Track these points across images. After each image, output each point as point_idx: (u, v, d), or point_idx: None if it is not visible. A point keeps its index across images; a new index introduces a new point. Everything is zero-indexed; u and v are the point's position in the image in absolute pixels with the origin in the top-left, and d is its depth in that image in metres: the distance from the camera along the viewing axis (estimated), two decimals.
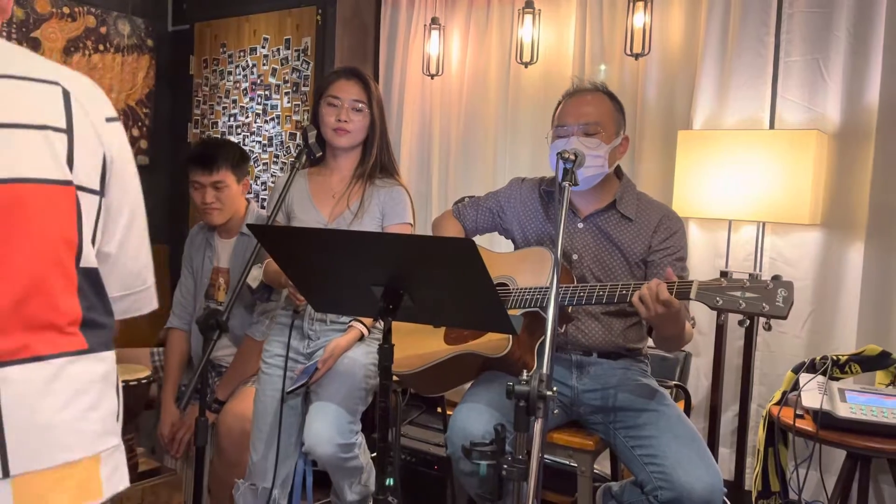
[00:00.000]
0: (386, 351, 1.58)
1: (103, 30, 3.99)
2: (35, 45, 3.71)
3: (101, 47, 3.98)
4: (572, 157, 1.69)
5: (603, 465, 2.51)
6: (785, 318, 1.54)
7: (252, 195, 3.91)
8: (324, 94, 2.15)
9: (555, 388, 1.33)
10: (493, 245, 2.60)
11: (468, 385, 2.03)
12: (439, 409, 3.03)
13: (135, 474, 2.18)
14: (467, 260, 1.41)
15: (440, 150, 3.63)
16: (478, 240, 2.05)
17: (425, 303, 1.57)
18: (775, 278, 1.55)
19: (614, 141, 1.94)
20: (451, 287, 1.55)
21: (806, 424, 2.19)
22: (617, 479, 2.21)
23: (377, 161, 2.18)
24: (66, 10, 3.82)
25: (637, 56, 2.99)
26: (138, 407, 2.24)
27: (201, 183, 2.52)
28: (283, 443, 2.13)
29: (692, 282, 1.61)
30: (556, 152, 1.72)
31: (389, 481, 2.39)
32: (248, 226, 1.60)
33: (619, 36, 3.08)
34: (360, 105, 2.13)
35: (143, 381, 2.22)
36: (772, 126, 2.77)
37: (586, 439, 1.96)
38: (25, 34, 3.68)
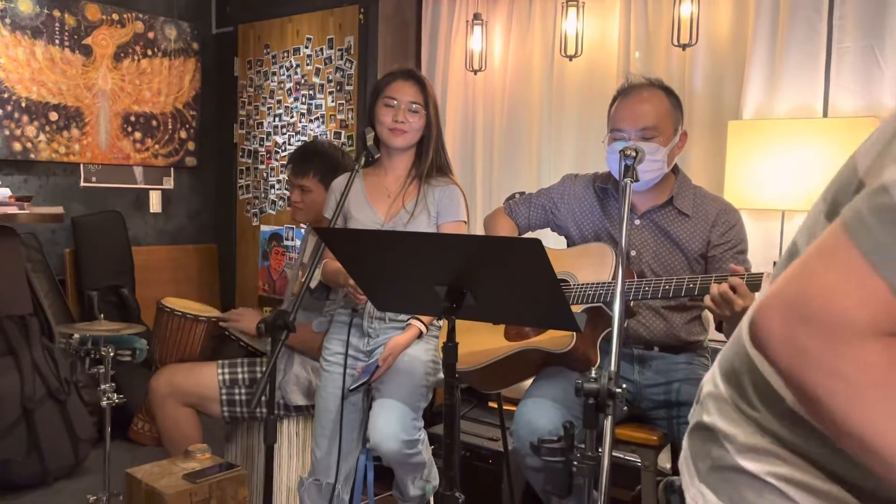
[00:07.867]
0: (450, 349, 1.61)
1: (151, 35, 4.07)
2: (87, 52, 3.81)
3: (149, 52, 4.06)
4: (633, 154, 1.69)
5: (661, 460, 2.50)
6: None
7: None
8: (380, 95, 2.17)
9: (624, 385, 1.33)
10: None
11: (526, 382, 2.05)
12: (491, 404, 3.05)
13: (200, 471, 2.24)
14: (535, 260, 1.43)
15: (484, 146, 3.64)
16: None
17: (488, 301, 1.59)
18: None
19: (672, 140, 1.93)
20: (516, 286, 1.56)
21: None
22: (678, 473, 2.20)
23: (433, 162, 2.20)
24: (115, 16, 3.91)
25: (684, 46, 2.96)
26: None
27: (292, 182, 2.63)
28: (345, 439, 2.17)
29: (761, 274, 1.60)
30: (616, 150, 1.73)
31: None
32: (315, 229, 1.63)
33: (666, 26, 3.05)
34: (417, 106, 2.15)
35: None
36: (825, 114, 2.72)
37: (650, 434, 1.96)
38: (77, 41, 3.77)
